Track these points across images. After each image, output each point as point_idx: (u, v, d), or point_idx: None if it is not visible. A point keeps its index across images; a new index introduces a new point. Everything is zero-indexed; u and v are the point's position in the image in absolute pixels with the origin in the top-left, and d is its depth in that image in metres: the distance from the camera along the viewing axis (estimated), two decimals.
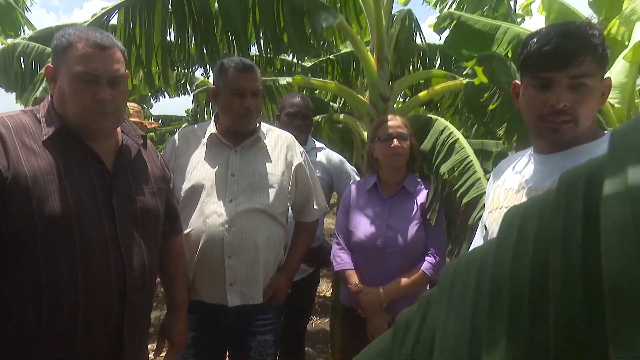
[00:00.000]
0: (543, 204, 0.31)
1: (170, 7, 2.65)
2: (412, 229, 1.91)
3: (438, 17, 3.37)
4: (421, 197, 1.97)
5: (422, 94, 3.42)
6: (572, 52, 1.03)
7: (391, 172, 1.99)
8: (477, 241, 1.42)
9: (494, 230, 1.23)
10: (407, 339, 0.40)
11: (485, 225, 1.29)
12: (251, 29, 2.80)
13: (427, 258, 1.92)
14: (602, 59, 1.05)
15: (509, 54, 2.85)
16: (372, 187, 2.02)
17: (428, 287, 1.98)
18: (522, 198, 1.13)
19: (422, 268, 1.90)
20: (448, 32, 3.26)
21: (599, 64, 1.05)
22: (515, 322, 0.29)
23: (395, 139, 1.92)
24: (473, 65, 2.75)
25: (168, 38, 2.74)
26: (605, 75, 1.11)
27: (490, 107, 2.83)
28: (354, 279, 1.95)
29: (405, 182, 1.99)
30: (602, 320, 0.24)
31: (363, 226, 1.96)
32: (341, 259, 2.00)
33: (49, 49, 4.20)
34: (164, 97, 5.53)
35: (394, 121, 1.98)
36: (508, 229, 0.32)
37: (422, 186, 2.02)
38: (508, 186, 1.20)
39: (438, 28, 3.31)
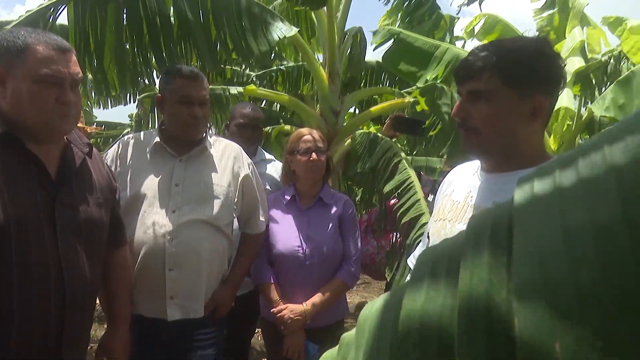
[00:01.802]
0: (453, 248, 0.32)
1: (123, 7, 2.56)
2: (331, 239, 1.97)
3: (377, 32, 3.45)
4: (337, 208, 2.03)
5: (372, 109, 3.51)
6: (469, 67, 1.08)
7: (309, 184, 2.05)
8: (418, 251, 1.42)
9: (434, 241, 1.22)
10: None
11: (428, 234, 1.29)
12: (213, 35, 2.76)
13: (344, 266, 1.98)
14: (511, 76, 1.03)
15: (447, 74, 3.00)
16: (290, 199, 2.05)
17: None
18: (465, 213, 1.13)
19: (340, 277, 1.96)
20: (387, 48, 3.35)
21: (506, 81, 1.03)
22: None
23: (313, 153, 1.97)
24: (416, 95, 2.87)
25: (124, 39, 2.62)
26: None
27: (431, 133, 2.98)
28: (274, 294, 1.95)
29: (322, 193, 2.05)
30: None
31: (283, 238, 1.98)
32: (261, 272, 2.00)
33: None
34: (107, 104, 5.29)
35: (313, 135, 2.03)
36: (421, 270, 0.33)
37: (338, 197, 2.10)
38: (455, 198, 1.20)
39: (376, 42, 3.40)
